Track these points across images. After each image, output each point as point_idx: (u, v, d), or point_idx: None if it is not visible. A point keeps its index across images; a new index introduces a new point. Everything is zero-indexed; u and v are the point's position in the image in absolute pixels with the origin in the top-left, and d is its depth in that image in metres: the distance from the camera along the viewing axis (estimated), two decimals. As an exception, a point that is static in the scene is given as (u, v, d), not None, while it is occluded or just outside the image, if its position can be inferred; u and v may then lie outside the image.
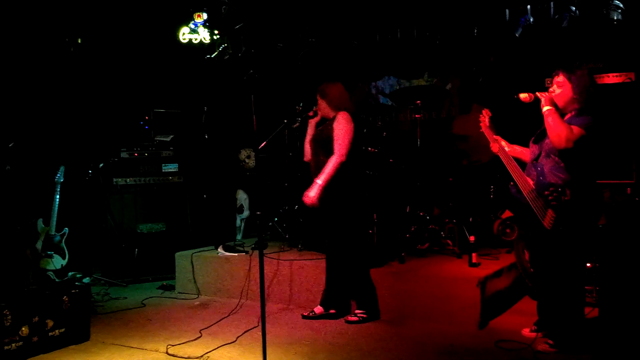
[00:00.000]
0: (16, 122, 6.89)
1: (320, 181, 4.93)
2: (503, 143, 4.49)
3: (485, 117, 4.66)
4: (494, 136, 4.54)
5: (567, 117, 4.12)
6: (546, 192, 4.01)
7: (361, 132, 5.86)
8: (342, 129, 4.99)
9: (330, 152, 4.99)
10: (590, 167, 4.04)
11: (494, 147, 4.51)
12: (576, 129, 3.95)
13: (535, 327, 4.46)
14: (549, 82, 4.34)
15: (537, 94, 4.16)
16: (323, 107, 5.24)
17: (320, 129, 5.25)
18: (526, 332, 4.53)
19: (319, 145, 5.15)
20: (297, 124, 6.11)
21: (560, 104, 4.12)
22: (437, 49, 7.49)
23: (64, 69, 7.48)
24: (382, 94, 8.11)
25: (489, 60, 7.12)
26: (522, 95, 4.21)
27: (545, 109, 4.06)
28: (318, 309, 5.27)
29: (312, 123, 5.38)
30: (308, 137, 5.37)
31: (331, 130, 5.03)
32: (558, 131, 3.93)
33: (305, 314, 5.28)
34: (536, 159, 4.20)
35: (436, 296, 5.08)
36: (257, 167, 6.47)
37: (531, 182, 4.16)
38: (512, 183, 4.30)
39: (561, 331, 4.16)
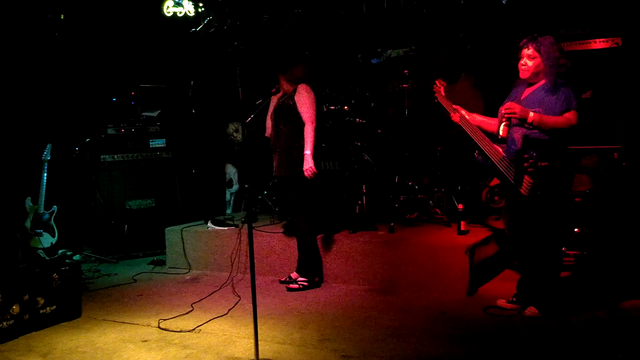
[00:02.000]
0: (1, 101, 6.82)
1: (308, 151, 5.11)
2: (463, 112, 4.43)
3: (440, 87, 4.62)
4: (453, 106, 4.49)
5: (538, 85, 4.09)
6: (522, 159, 3.98)
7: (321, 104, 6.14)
8: (304, 99, 5.20)
9: (289, 121, 5.20)
10: (563, 134, 4.01)
11: (455, 117, 4.45)
12: (572, 115, 3.94)
13: (514, 299, 4.44)
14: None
15: (506, 116, 4.03)
16: (283, 83, 5.37)
17: (280, 102, 5.38)
18: (502, 302, 4.50)
19: (279, 115, 5.30)
20: (260, 100, 6.17)
21: (531, 75, 4.10)
22: (424, 18, 7.43)
23: (47, 46, 7.38)
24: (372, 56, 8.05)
25: (476, 29, 7.08)
26: (501, 131, 4.06)
27: (530, 118, 3.94)
28: (294, 275, 5.45)
29: (274, 100, 5.48)
30: (269, 113, 5.47)
31: (293, 101, 5.22)
32: (558, 128, 3.94)
33: (282, 279, 5.51)
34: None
35: (426, 265, 5.11)
36: (246, 141, 6.43)
37: (500, 150, 4.14)
38: (476, 152, 4.28)
39: (544, 297, 4.21)
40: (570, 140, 4.13)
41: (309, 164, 5.11)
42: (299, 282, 5.33)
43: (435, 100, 4.62)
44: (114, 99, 7.68)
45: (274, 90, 5.43)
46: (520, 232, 4.29)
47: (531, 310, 4.23)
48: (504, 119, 4.06)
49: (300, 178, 5.19)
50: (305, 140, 5.15)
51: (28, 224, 6.25)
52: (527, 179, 4.00)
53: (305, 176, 5.13)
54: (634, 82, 5.96)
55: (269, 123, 5.48)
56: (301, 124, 5.18)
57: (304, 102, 5.19)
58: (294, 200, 5.33)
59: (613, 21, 6.12)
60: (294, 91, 5.26)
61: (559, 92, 3.99)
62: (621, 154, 5.86)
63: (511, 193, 4.15)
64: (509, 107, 4.02)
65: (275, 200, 6.70)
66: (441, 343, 3.93)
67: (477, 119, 4.45)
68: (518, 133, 4.07)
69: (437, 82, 4.66)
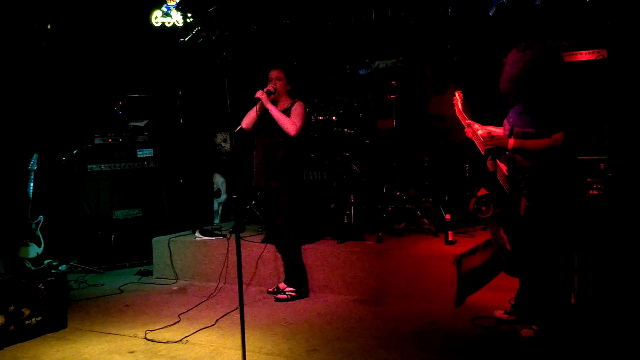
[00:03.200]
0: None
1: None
2: (476, 126, 4.39)
3: (457, 100, 4.61)
4: (467, 121, 4.48)
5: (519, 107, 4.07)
6: (517, 180, 3.94)
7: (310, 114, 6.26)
8: (300, 111, 5.29)
9: (277, 133, 5.24)
10: (567, 149, 3.92)
11: (468, 132, 4.42)
12: (559, 136, 3.85)
13: (511, 311, 4.37)
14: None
15: (488, 149, 4.08)
16: (281, 88, 5.37)
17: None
18: (499, 313, 4.46)
19: (270, 125, 5.27)
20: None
21: (502, 88, 4.08)
22: (411, 29, 7.47)
23: (34, 55, 7.35)
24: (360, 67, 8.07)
25: (463, 41, 7.12)
26: (489, 165, 4.13)
27: (510, 146, 3.96)
28: (282, 285, 5.48)
29: (258, 105, 5.34)
30: (254, 113, 5.34)
31: (289, 115, 5.27)
32: (547, 149, 3.88)
33: (270, 289, 5.51)
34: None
35: (414, 274, 5.12)
36: (234, 151, 6.42)
37: (504, 168, 4.11)
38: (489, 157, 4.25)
39: (545, 317, 4.08)
40: (577, 151, 4.07)
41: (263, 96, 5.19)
42: (287, 292, 5.32)
43: (455, 114, 4.60)
44: (102, 109, 7.64)
45: (272, 89, 5.31)
46: (523, 249, 4.20)
47: (527, 332, 4.10)
48: (487, 155, 4.11)
49: (284, 189, 5.24)
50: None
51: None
52: (523, 200, 3.95)
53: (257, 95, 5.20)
54: (619, 93, 6.01)
55: (252, 115, 5.37)
56: (287, 137, 5.22)
57: (299, 113, 5.27)
58: (278, 211, 5.33)
59: (599, 33, 6.18)
60: (292, 105, 5.32)
61: (550, 110, 3.92)
62: (607, 164, 5.90)
63: (511, 210, 4.08)
64: (487, 142, 4.05)
65: (263, 210, 6.69)
66: (429, 353, 3.93)
67: (494, 132, 4.41)
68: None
69: (456, 92, 4.64)
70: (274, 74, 5.40)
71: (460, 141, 6.82)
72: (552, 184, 3.90)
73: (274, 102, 5.37)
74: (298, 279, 5.39)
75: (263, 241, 5.85)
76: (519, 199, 3.99)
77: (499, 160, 4.16)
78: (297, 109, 5.30)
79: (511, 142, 3.97)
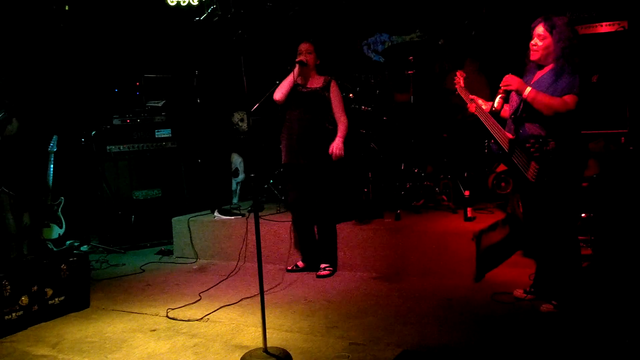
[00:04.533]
0: (7, 93, 6.82)
1: (341, 137, 5.32)
2: (480, 101, 4.34)
3: (460, 79, 4.56)
4: (470, 96, 4.43)
5: (548, 68, 4.01)
6: (527, 145, 3.90)
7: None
8: (339, 97, 5.44)
9: (318, 111, 5.33)
10: (573, 119, 3.91)
11: (471, 107, 4.36)
12: (570, 98, 3.83)
13: (530, 290, 4.34)
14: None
15: (503, 88, 4.04)
16: (312, 71, 5.42)
17: (311, 89, 5.39)
18: (519, 293, 4.43)
19: (310, 102, 5.34)
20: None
21: (541, 56, 4.00)
22: (428, 3, 7.39)
23: (52, 37, 7.37)
24: (374, 51, 8.03)
25: (481, 13, 7.03)
26: (496, 103, 4.08)
27: (526, 92, 3.92)
28: (300, 263, 5.57)
29: (296, 70, 5.35)
30: (290, 83, 5.34)
31: (328, 94, 5.38)
32: (554, 109, 3.83)
33: (289, 267, 5.56)
34: (515, 112, 4.10)
35: (432, 251, 5.11)
36: (251, 130, 6.42)
37: (512, 137, 4.09)
38: (492, 141, 4.24)
39: (563, 290, 4.07)
40: (581, 125, 4.02)
41: (340, 146, 5.25)
42: (326, 269, 5.38)
43: (456, 93, 4.57)
44: (116, 90, 7.67)
45: (304, 60, 5.31)
46: (535, 221, 4.21)
47: (546, 307, 4.11)
48: (501, 91, 4.07)
49: (327, 165, 5.28)
50: (341, 129, 5.32)
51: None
52: (533, 164, 3.92)
53: (333, 155, 5.23)
54: (640, 65, 5.92)
55: (287, 85, 5.35)
56: (327, 116, 5.33)
57: (340, 100, 5.42)
58: (316, 189, 5.35)
59: (619, 4, 6.07)
60: (328, 85, 5.38)
61: (564, 77, 3.88)
62: (628, 138, 5.83)
63: (522, 181, 4.06)
64: (506, 79, 4.01)
65: (282, 189, 6.70)
66: (448, 329, 3.93)
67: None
68: (529, 119, 3.99)
69: (457, 73, 4.60)
70: (304, 47, 5.39)
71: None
72: (560, 150, 3.87)
73: (304, 77, 5.36)
74: (334, 255, 5.48)
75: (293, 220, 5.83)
76: (529, 163, 3.95)
77: (507, 131, 4.13)
78: (337, 96, 5.40)
79: (529, 91, 3.91)
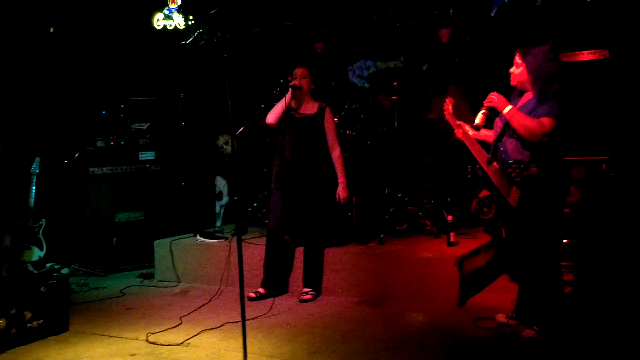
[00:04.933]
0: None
1: (343, 179, 5.42)
2: (467, 128, 4.40)
3: (448, 105, 4.63)
4: (457, 122, 4.50)
5: (526, 97, 4.08)
6: (509, 170, 3.94)
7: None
8: (333, 125, 5.47)
9: (312, 137, 5.35)
10: (556, 145, 3.96)
11: (458, 133, 4.43)
12: (547, 121, 3.87)
13: (513, 315, 4.32)
14: None
15: (486, 104, 4.14)
16: (306, 86, 5.42)
17: (304, 115, 5.42)
18: (501, 318, 4.41)
19: (304, 128, 5.37)
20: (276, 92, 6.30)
21: (517, 83, 4.10)
22: (413, 31, 7.47)
23: (37, 59, 7.36)
24: (359, 77, 8.09)
25: (465, 40, 7.11)
26: (478, 119, 4.15)
27: (506, 110, 4.00)
28: (262, 290, 5.47)
29: (289, 95, 5.37)
30: (283, 107, 5.35)
31: (322, 121, 5.40)
32: (530, 129, 3.88)
33: (252, 295, 5.37)
34: (499, 138, 4.13)
35: (415, 276, 5.11)
36: (235, 153, 6.42)
37: (496, 164, 4.11)
38: (478, 166, 4.28)
39: (545, 316, 4.07)
40: (564, 151, 4.07)
41: (346, 193, 5.38)
42: (309, 293, 5.34)
43: (444, 118, 4.62)
44: (104, 112, 7.64)
45: (298, 84, 5.33)
46: (517, 246, 4.22)
47: (528, 333, 4.08)
48: (483, 108, 4.14)
49: (318, 191, 5.33)
50: (339, 168, 5.40)
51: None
52: (514, 189, 3.96)
53: (342, 201, 5.36)
54: (621, 93, 6.00)
55: (279, 109, 5.38)
56: (320, 143, 5.37)
57: (333, 129, 5.45)
58: (308, 212, 5.36)
59: (601, 33, 6.17)
60: (322, 112, 5.41)
61: (546, 103, 3.94)
62: (609, 164, 5.89)
63: (504, 205, 4.10)
64: (490, 96, 4.11)
65: (265, 213, 6.67)
66: (431, 355, 3.92)
67: (481, 133, 4.39)
68: (512, 144, 4.04)
69: (447, 99, 4.67)
70: (299, 71, 5.41)
71: (460, 143, 6.83)
72: (542, 175, 3.90)
73: (298, 102, 5.38)
74: (319, 280, 5.45)
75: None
76: (510, 188, 3.98)
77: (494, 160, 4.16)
78: (330, 121, 5.43)
79: (509, 109, 3.99)
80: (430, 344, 4.12)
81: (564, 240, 5.13)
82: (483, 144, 4.33)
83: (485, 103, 4.14)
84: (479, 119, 4.15)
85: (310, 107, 5.44)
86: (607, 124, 6.01)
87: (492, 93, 4.14)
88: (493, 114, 4.25)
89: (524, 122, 3.92)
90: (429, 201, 6.34)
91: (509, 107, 4.01)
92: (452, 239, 5.45)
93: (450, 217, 5.55)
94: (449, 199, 6.27)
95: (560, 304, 4.11)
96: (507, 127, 4.08)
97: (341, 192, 5.36)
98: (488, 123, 4.33)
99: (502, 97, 4.08)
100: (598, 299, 4.68)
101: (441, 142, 6.90)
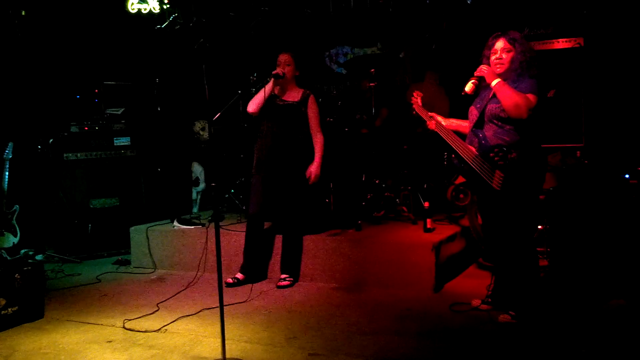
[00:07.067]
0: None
1: (319, 159, 5.36)
2: (439, 118, 4.44)
3: (417, 98, 4.64)
4: (429, 113, 4.51)
5: (507, 81, 4.09)
6: (491, 154, 3.98)
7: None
8: (316, 111, 5.41)
9: (294, 124, 5.33)
10: (535, 129, 4.02)
11: (431, 125, 4.45)
12: (533, 97, 3.92)
13: (488, 300, 4.40)
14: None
15: (476, 74, 4.14)
16: (290, 73, 5.37)
17: (288, 103, 5.38)
18: (476, 303, 4.46)
19: (287, 115, 5.33)
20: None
21: (507, 69, 4.09)
22: (390, 17, 7.47)
23: (8, 43, 7.23)
24: (336, 63, 8.08)
25: (442, 27, 7.14)
26: (467, 87, 4.15)
27: (494, 82, 4.02)
28: (239, 275, 5.45)
29: (270, 84, 5.33)
30: (265, 95, 5.29)
31: (305, 109, 5.37)
32: (516, 101, 3.90)
33: (230, 281, 5.35)
34: (477, 125, 4.16)
35: (392, 262, 5.14)
36: (212, 139, 6.39)
37: (474, 150, 4.13)
38: (453, 155, 4.29)
39: (520, 301, 4.12)
40: (541, 138, 4.12)
41: (318, 171, 5.30)
42: (287, 279, 5.34)
43: (414, 112, 4.63)
44: (78, 97, 7.55)
45: (281, 73, 5.26)
46: (494, 231, 4.26)
47: (504, 317, 4.15)
48: (473, 77, 4.15)
49: (298, 178, 5.29)
50: (318, 150, 5.34)
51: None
52: (498, 173, 3.99)
53: (311, 179, 5.29)
54: (595, 81, 6.08)
55: (261, 97, 5.32)
56: (302, 130, 5.34)
57: (317, 116, 5.41)
58: (288, 199, 5.35)
59: (575, 21, 6.23)
60: (306, 100, 5.38)
61: (524, 82, 4.00)
62: (583, 152, 5.97)
63: (483, 191, 4.12)
64: (480, 67, 4.13)
65: (243, 199, 6.67)
66: (408, 340, 3.95)
67: (454, 123, 4.44)
68: (490, 131, 4.07)
69: (414, 93, 4.67)
70: (282, 57, 5.36)
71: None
72: (521, 161, 3.95)
73: (281, 89, 5.35)
74: (297, 266, 5.45)
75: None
76: (493, 172, 4.01)
77: (469, 144, 4.19)
78: (314, 109, 5.38)
79: (497, 81, 4.02)
80: (406, 328, 4.16)
81: (539, 227, 5.21)
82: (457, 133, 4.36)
83: (476, 73, 4.14)
84: (468, 87, 4.14)
85: (294, 94, 5.41)
86: (581, 112, 6.08)
87: (482, 65, 4.14)
88: (466, 103, 4.29)
89: (511, 94, 3.94)
90: (405, 188, 6.38)
91: (497, 79, 4.03)
92: (428, 225, 5.50)
93: (426, 204, 5.59)
94: (425, 186, 6.32)
95: (536, 289, 4.17)
96: (484, 115, 4.12)
97: (313, 168, 5.29)
98: (455, 108, 4.37)
99: (491, 70, 4.09)
100: (572, 285, 4.75)
101: (417, 129, 6.94)
